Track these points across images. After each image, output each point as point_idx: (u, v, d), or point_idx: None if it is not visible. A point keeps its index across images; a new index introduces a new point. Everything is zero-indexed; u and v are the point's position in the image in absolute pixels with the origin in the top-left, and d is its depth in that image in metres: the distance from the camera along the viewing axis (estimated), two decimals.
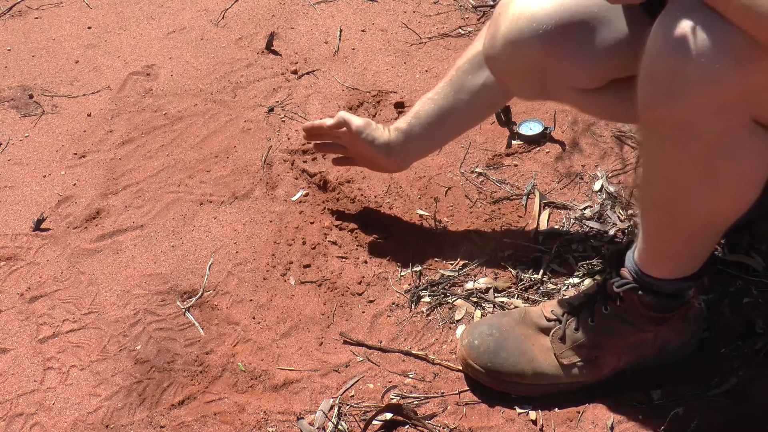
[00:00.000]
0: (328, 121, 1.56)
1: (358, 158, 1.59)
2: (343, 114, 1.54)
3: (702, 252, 1.18)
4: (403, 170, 1.60)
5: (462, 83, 1.44)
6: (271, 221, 1.67)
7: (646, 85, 0.99)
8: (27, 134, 1.95)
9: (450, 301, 1.47)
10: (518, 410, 1.30)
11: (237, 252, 1.61)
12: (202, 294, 1.54)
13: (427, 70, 2.01)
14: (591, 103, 1.24)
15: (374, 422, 1.29)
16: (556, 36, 1.17)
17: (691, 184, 1.05)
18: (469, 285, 1.49)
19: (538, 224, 1.59)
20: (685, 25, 0.94)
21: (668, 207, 1.10)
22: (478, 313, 1.44)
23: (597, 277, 1.46)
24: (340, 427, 1.30)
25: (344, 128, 1.53)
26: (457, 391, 1.34)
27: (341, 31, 2.17)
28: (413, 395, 1.34)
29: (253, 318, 1.49)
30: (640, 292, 1.20)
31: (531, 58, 1.19)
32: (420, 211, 1.65)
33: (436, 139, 1.54)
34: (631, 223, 1.56)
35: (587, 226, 1.58)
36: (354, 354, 1.42)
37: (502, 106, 1.61)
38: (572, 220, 1.59)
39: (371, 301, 1.50)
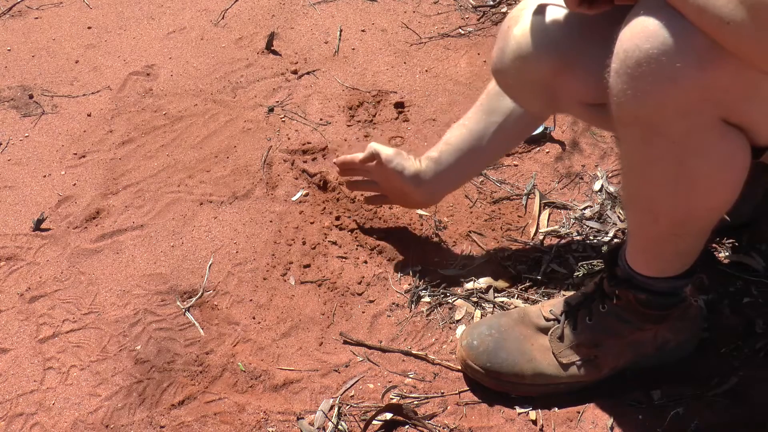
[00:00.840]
0: (359, 156, 1.52)
1: (390, 193, 1.54)
2: (374, 145, 1.49)
3: (689, 251, 1.18)
4: (434, 203, 1.55)
5: (493, 106, 1.41)
6: (271, 221, 1.67)
7: (614, 83, 1.00)
8: (27, 134, 1.95)
9: (450, 301, 1.47)
10: (518, 410, 1.30)
11: (237, 252, 1.61)
12: (202, 294, 1.54)
13: (427, 70, 2.01)
14: (601, 117, 1.23)
15: (374, 422, 1.29)
16: (567, 51, 1.16)
17: (666, 182, 1.06)
18: (469, 285, 1.49)
19: (538, 224, 1.59)
20: (648, 24, 0.94)
21: (648, 205, 1.11)
22: (478, 313, 1.44)
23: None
24: (340, 427, 1.30)
25: (375, 161, 1.49)
26: (457, 391, 1.34)
27: (341, 31, 2.17)
28: (413, 395, 1.34)
29: (253, 318, 1.49)
30: (634, 290, 1.20)
31: (541, 73, 1.18)
32: (420, 211, 1.65)
33: (468, 167, 1.48)
34: None
35: (587, 226, 1.58)
36: (354, 354, 1.42)
37: (537, 127, 1.52)
38: (572, 220, 1.59)
39: (371, 301, 1.50)
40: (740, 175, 1.05)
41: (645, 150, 1.04)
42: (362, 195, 1.68)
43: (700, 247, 1.18)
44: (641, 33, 0.95)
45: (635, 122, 1.01)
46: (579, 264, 1.50)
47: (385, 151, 1.48)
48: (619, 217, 1.58)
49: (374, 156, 1.49)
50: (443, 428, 1.29)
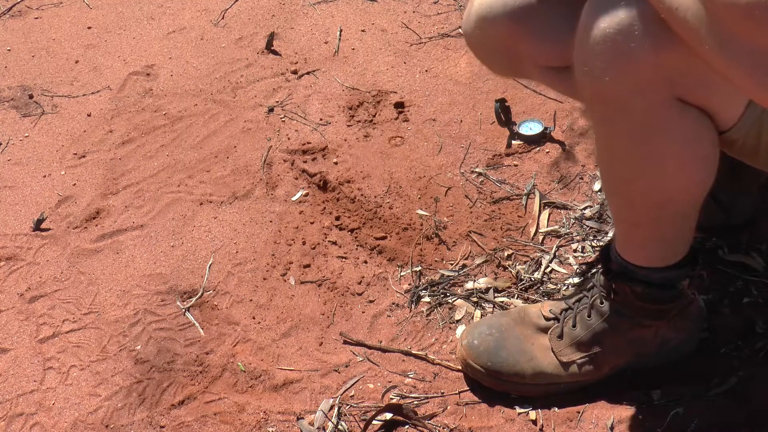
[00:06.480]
0: None
1: None
2: None
3: (674, 238, 1.18)
4: None
5: None
6: (271, 221, 1.67)
7: (576, 61, 1.02)
8: (27, 134, 1.95)
9: (450, 301, 1.47)
10: (518, 410, 1.30)
11: (237, 252, 1.61)
12: (202, 294, 1.54)
13: (427, 70, 2.01)
14: (560, 82, 1.24)
15: (374, 422, 1.29)
16: (522, 13, 1.17)
17: (635, 162, 1.07)
18: (469, 285, 1.49)
19: (538, 224, 1.59)
20: (609, 4, 0.96)
21: (623, 187, 1.12)
22: (478, 313, 1.44)
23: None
24: (340, 427, 1.30)
25: None
26: (457, 391, 1.34)
27: (341, 31, 2.17)
28: (413, 395, 1.34)
29: (253, 318, 1.49)
30: (630, 283, 1.20)
31: (499, 34, 1.20)
32: (420, 211, 1.65)
33: None
34: None
35: (587, 226, 1.58)
36: (354, 354, 1.42)
37: None
38: (572, 220, 1.59)
39: (371, 301, 1.50)
40: (707, 154, 1.06)
41: (611, 129, 1.06)
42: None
43: (687, 236, 1.18)
44: (601, 11, 0.97)
45: (596, 99, 1.03)
46: (579, 264, 1.50)
47: None
48: None
49: None
50: (443, 428, 1.29)
